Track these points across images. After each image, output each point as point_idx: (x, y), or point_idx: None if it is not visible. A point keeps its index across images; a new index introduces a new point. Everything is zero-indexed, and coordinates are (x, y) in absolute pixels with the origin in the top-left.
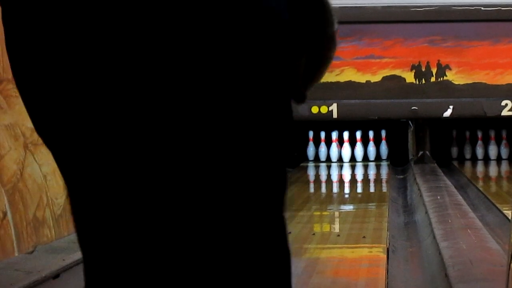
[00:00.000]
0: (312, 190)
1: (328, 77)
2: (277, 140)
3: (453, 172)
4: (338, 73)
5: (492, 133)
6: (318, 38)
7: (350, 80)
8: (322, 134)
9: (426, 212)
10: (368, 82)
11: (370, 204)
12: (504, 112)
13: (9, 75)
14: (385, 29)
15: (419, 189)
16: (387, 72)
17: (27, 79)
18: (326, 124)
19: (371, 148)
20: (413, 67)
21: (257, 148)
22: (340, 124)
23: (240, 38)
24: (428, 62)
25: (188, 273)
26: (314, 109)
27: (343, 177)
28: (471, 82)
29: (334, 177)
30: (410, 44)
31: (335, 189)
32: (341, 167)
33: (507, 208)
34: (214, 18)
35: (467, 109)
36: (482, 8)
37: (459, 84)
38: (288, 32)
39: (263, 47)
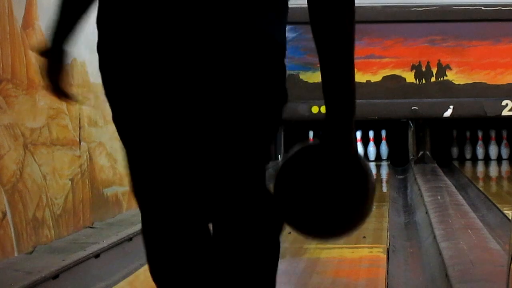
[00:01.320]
0: None
1: None
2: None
3: (454, 172)
4: None
5: (493, 133)
6: None
7: None
8: None
9: (427, 212)
10: (368, 82)
11: None
12: (505, 112)
13: (9, 75)
14: (385, 29)
15: (419, 189)
16: (387, 72)
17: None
18: None
19: (371, 148)
20: (413, 67)
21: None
22: None
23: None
24: (428, 62)
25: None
26: (314, 109)
27: None
28: (471, 82)
29: None
30: (411, 44)
31: None
32: None
33: (507, 208)
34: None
35: (468, 109)
36: (483, 8)
37: (459, 84)
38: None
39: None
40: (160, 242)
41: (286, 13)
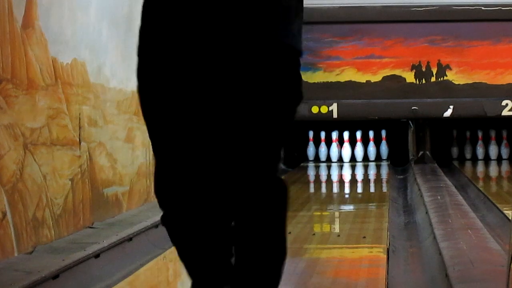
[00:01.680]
0: (312, 190)
1: (328, 77)
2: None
3: (454, 172)
4: (338, 73)
5: (493, 133)
6: None
7: (350, 80)
8: (322, 134)
9: (427, 212)
10: (368, 82)
11: (370, 204)
12: (505, 112)
13: (9, 75)
14: (385, 29)
15: (419, 189)
16: (387, 72)
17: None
18: (326, 124)
19: (371, 148)
20: (413, 67)
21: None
22: (340, 124)
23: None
24: (428, 62)
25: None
26: (314, 109)
27: (343, 177)
28: (471, 82)
29: (334, 177)
30: (411, 44)
31: (335, 189)
32: (341, 167)
33: (507, 208)
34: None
35: (468, 109)
36: (483, 8)
37: (459, 84)
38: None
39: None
40: (183, 237)
41: (301, 21)
